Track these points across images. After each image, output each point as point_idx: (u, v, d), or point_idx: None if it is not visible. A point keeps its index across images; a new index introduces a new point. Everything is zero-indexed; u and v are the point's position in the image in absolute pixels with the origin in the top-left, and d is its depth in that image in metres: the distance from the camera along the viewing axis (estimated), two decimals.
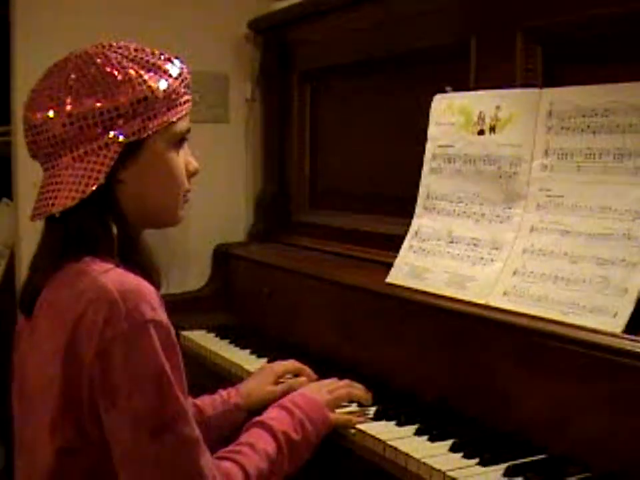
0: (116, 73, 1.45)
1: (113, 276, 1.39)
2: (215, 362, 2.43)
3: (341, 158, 2.78)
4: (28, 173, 2.70)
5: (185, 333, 2.67)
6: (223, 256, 3.01)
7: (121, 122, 1.44)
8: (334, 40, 2.74)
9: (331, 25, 2.70)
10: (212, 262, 3.04)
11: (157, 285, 1.49)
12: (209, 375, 2.38)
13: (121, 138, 1.44)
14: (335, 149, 2.83)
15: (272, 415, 1.70)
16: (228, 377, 2.30)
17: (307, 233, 2.87)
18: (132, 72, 1.46)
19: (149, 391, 1.35)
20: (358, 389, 1.88)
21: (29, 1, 2.76)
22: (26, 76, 2.63)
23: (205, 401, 1.93)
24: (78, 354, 1.36)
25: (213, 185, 3.02)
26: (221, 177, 3.06)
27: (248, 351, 2.42)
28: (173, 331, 1.41)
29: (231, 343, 2.53)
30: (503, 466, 1.53)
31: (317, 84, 2.91)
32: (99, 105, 1.43)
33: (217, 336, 2.64)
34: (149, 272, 1.49)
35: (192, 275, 3.00)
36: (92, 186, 1.42)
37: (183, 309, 2.81)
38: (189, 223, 2.97)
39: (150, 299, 1.39)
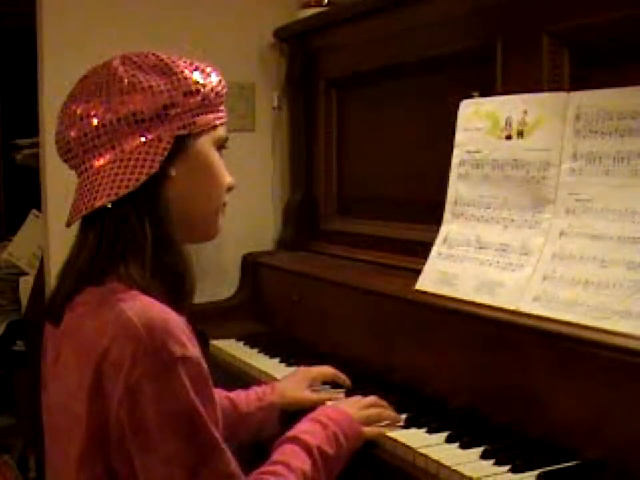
0: (168, 61, 1.46)
1: (138, 307, 1.33)
2: (244, 371, 2.43)
3: (369, 165, 2.78)
4: (56, 185, 2.72)
5: (214, 342, 2.67)
6: (251, 265, 3.01)
7: (172, 114, 1.43)
8: (360, 46, 2.74)
9: (356, 32, 2.70)
10: (240, 271, 3.05)
11: (188, 297, 1.46)
12: (239, 384, 2.37)
13: (175, 131, 1.43)
14: (362, 155, 2.82)
15: (304, 428, 1.64)
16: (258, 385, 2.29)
17: (335, 240, 2.87)
18: (184, 68, 1.46)
19: (182, 430, 1.31)
20: (389, 409, 1.83)
21: (55, 14, 2.78)
22: (54, 87, 2.66)
23: (239, 396, 1.92)
24: (104, 393, 1.32)
25: (240, 194, 2.96)
26: (248, 186, 3.04)
27: (277, 359, 2.42)
28: (203, 363, 1.36)
29: (260, 351, 2.53)
30: (535, 472, 1.52)
31: (343, 91, 2.91)
32: (153, 94, 1.41)
33: (246, 344, 2.64)
34: (182, 282, 1.45)
35: (221, 284, 3.00)
36: (146, 174, 1.39)
37: (212, 318, 2.81)
38: None
39: (178, 334, 1.32)
